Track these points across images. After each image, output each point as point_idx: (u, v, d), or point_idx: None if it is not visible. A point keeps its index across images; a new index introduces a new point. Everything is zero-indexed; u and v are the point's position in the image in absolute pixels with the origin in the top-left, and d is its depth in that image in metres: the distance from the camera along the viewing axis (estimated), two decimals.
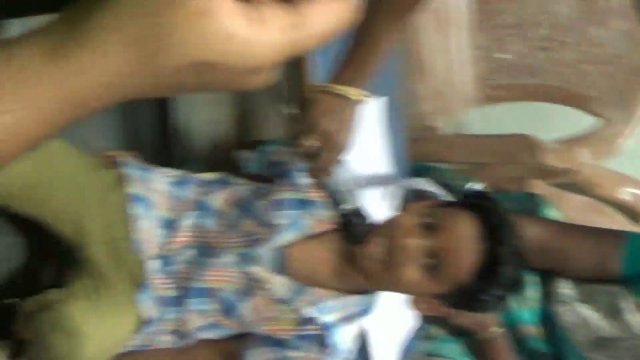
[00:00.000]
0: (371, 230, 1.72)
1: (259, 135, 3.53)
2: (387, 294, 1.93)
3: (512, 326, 2.72)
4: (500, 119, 3.75)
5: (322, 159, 1.67)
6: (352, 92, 1.69)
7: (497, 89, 3.63)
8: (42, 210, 1.87)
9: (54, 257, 2.03)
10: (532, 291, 2.65)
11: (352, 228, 1.68)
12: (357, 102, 1.71)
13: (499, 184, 3.19)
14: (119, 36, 0.60)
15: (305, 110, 1.72)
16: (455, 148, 3.45)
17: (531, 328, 2.68)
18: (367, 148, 2.42)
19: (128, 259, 1.88)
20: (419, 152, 2.68)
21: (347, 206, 1.69)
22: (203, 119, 3.23)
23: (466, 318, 2.61)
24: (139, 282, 1.89)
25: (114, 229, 1.89)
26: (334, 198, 1.70)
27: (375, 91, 2.54)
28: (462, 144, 3.48)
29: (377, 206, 2.34)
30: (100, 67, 0.60)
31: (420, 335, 2.73)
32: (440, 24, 3.57)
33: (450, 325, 2.75)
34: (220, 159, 2.08)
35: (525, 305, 2.71)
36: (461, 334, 2.76)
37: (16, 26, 1.82)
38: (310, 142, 1.67)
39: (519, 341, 2.73)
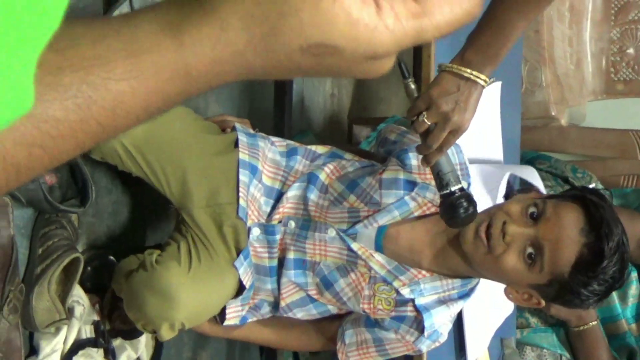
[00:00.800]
0: (475, 213, 1.69)
1: (377, 112, 3.56)
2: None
3: (611, 320, 2.70)
4: (618, 114, 3.67)
5: (434, 137, 1.65)
6: (478, 75, 1.65)
7: (619, 83, 3.57)
8: (151, 170, 1.89)
9: (157, 219, 2.07)
10: (633, 287, 2.63)
11: (456, 210, 1.66)
12: (482, 86, 1.67)
13: (612, 178, 3.15)
14: (240, 11, 0.59)
15: (428, 88, 1.71)
16: (570, 140, 3.40)
17: (630, 325, 2.67)
18: (481, 131, 2.41)
19: (231, 225, 1.91)
20: (533, 140, 2.67)
21: (453, 187, 1.68)
22: (322, 92, 3.27)
23: (564, 309, 2.60)
24: (239, 248, 1.93)
25: (220, 193, 1.92)
26: (441, 178, 1.68)
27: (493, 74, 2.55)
28: (578, 136, 3.43)
29: (483, 191, 2.34)
30: (217, 42, 0.59)
31: (514, 323, 2.74)
32: (572, 14, 3.53)
33: (547, 315, 2.74)
34: (335, 133, 2.08)
35: (626, 302, 2.69)
36: (556, 324, 2.76)
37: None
38: (426, 120, 1.66)
39: (614, 336, 2.71)
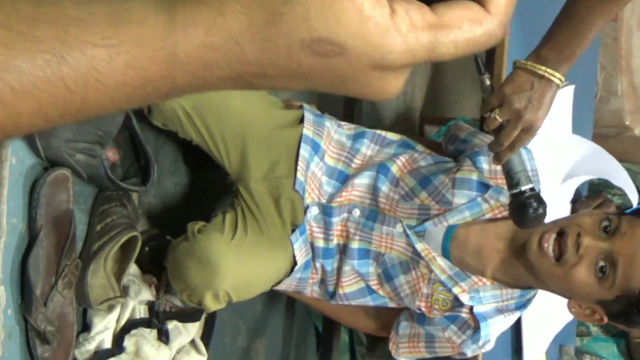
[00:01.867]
0: (545, 214, 1.66)
1: (449, 113, 3.53)
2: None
3: None
4: None
5: (505, 134, 1.64)
6: (553, 74, 1.63)
7: None
8: (211, 137, 1.89)
9: (218, 202, 2.07)
10: None
11: (526, 210, 1.64)
12: (557, 85, 1.64)
13: None
14: None
15: (501, 84, 1.70)
16: None
17: None
18: (552, 134, 2.38)
19: (288, 199, 1.91)
20: (606, 149, 2.60)
21: (524, 187, 1.65)
22: None
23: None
24: (295, 224, 1.92)
25: (279, 166, 1.92)
26: (512, 177, 1.66)
27: (568, 73, 2.51)
28: None
29: (554, 195, 2.30)
30: (211, 26, 0.54)
31: (575, 330, 2.69)
32: None
33: (608, 325, 2.69)
34: (405, 132, 2.06)
35: None
36: (618, 335, 2.71)
37: None
38: (498, 116, 1.65)
39: None
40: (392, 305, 1.99)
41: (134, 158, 1.89)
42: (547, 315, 2.39)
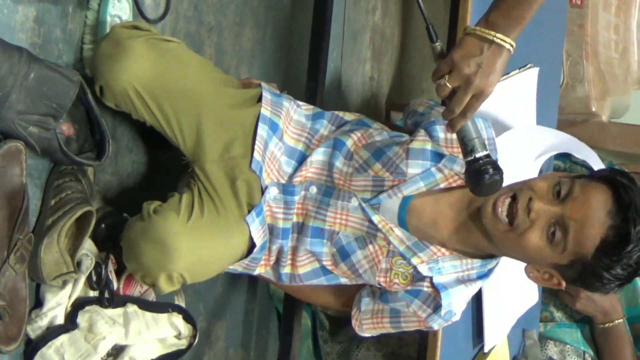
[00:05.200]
0: (501, 180, 1.68)
1: (413, 97, 3.52)
2: (510, 264, 1.91)
3: (636, 320, 2.66)
4: None
5: (456, 101, 1.64)
6: (504, 39, 1.62)
7: None
8: (165, 119, 1.86)
9: (177, 181, 2.04)
10: None
11: (481, 176, 1.64)
12: (508, 51, 1.64)
13: None
14: None
15: (451, 51, 1.68)
16: (611, 136, 3.35)
17: None
18: (516, 116, 2.37)
19: (245, 179, 1.88)
20: (573, 135, 2.61)
21: (479, 154, 1.65)
22: (361, 74, 3.24)
23: (591, 305, 2.56)
24: (252, 205, 1.89)
25: (235, 146, 1.89)
26: (466, 144, 1.66)
27: (533, 61, 2.50)
28: (619, 133, 3.38)
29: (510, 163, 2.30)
30: None
31: (538, 315, 2.69)
32: (620, 2, 3.47)
33: (572, 311, 2.70)
34: (370, 117, 2.06)
35: None
36: (582, 320, 2.70)
37: None
38: (448, 83, 1.65)
39: (639, 337, 2.67)
40: (348, 283, 1.98)
41: (90, 133, 1.86)
42: (509, 298, 2.38)
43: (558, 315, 2.73)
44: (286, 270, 1.95)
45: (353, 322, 2.00)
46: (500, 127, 2.22)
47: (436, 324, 1.87)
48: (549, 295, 2.73)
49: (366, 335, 2.01)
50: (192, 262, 1.80)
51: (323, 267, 1.93)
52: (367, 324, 1.97)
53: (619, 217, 1.64)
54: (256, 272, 1.97)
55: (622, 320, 2.60)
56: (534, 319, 2.65)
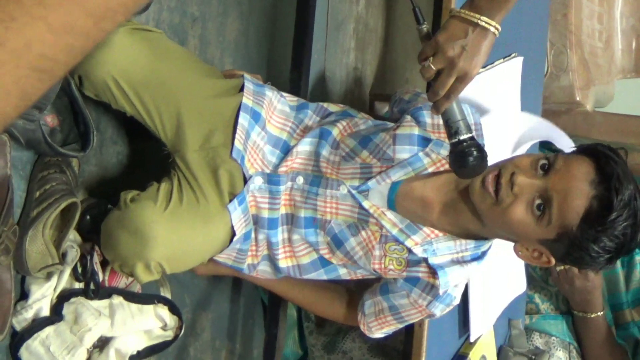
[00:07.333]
0: (486, 162, 1.69)
1: (397, 87, 3.52)
2: (497, 253, 1.91)
3: (616, 309, 2.67)
4: None
5: (440, 83, 1.64)
6: (488, 22, 1.63)
7: None
8: (145, 109, 1.86)
9: (162, 173, 2.03)
10: (636, 272, 2.60)
11: (465, 158, 1.65)
12: (492, 34, 1.65)
13: (637, 167, 3.08)
14: None
15: (436, 33, 1.69)
16: (595, 125, 3.36)
17: (633, 313, 2.63)
18: (500, 104, 2.38)
19: (227, 169, 1.87)
20: (557, 124, 2.61)
21: (463, 136, 1.66)
22: (345, 64, 3.23)
23: (575, 291, 2.57)
24: (234, 194, 1.88)
25: (215, 136, 1.89)
26: (450, 127, 1.66)
27: (517, 50, 2.51)
28: (603, 122, 3.38)
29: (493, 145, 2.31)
30: None
31: (524, 305, 2.70)
32: None
33: (558, 302, 2.71)
34: (354, 108, 2.06)
35: (629, 286, 2.65)
36: (567, 312, 2.71)
37: None
38: (432, 65, 1.65)
39: (619, 325, 2.68)
40: (346, 277, 1.98)
41: (74, 124, 1.86)
42: (495, 287, 2.39)
43: (544, 307, 2.74)
44: (284, 263, 1.95)
45: (361, 327, 2.01)
46: (485, 117, 2.22)
47: (438, 310, 1.87)
48: (534, 286, 2.74)
49: (378, 336, 2.03)
50: (169, 250, 1.79)
51: (322, 258, 1.93)
52: (374, 325, 1.98)
53: (602, 186, 1.63)
54: (245, 265, 1.97)
55: (601, 313, 2.61)
56: (520, 309, 2.66)
